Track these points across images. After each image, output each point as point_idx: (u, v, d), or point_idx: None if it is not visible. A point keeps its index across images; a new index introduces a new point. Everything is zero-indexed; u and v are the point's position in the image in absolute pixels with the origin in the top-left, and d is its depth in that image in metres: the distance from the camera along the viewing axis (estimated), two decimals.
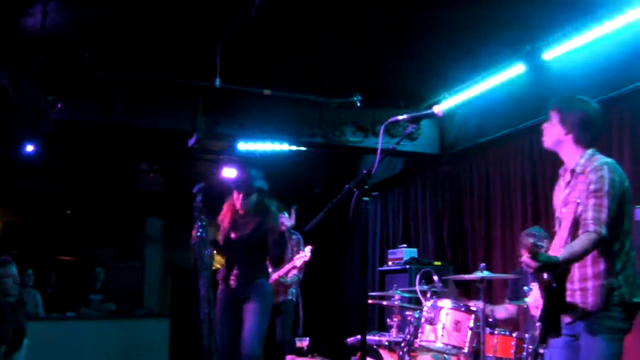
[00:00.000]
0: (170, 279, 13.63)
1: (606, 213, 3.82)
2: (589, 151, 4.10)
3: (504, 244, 8.86)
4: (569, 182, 4.12)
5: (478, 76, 8.84)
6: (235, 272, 6.37)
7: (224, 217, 6.57)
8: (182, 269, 12.88)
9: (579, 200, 3.89)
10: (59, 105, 7.93)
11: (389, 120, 4.08)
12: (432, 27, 7.53)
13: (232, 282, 6.34)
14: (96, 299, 12.54)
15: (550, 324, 3.83)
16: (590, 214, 3.83)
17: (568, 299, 3.94)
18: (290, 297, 8.30)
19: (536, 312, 4.12)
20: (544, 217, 7.93)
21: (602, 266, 3.88)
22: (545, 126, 4.25)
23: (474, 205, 9.65)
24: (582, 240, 3.82)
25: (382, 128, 4.08)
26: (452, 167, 10.25)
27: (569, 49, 7.47)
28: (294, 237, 8.30)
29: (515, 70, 8.24)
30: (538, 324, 3.94)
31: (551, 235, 4.54)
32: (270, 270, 6.86)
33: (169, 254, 14.36)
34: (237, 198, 6.47)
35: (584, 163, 4.04)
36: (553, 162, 4.49)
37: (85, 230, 13.68)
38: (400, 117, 4.07)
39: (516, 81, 8.33)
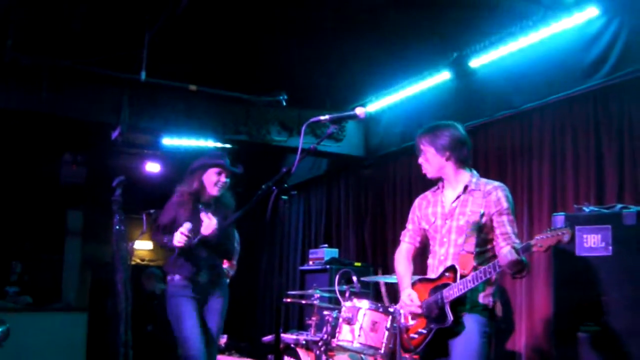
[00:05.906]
0: (90, 272, 13.43)
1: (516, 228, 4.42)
2: (474, 171, 4.60)
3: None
4: (458, 197, 4.47)
5: (405, 81, 8.94)
6: None
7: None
8: (101, 262, 12.70)
9: (482, 212, 4.34)
10: None
11: (311, 119, 4.10)
12: (361, 30, 7.58)
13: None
14: (12, 291, 12.27)
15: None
16: (509, 228, 4.34)
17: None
18: None
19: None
20: None
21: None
22: (422, 161, 4.63)
23: (397, 208, 9.74)
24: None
25: (303, 127, 4.07)
26: (376, 169, 10.32)
27: (495, 58, 7.62)
28: None
29: (441, 77, 8.37)
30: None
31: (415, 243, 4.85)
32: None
33: (88, 248, 14.11)
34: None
35: (477, 182, 4.52)
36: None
37: (3, 222, 13.36)
38: (322, 117, 4.09)
39: (442, 87, 8.46)
